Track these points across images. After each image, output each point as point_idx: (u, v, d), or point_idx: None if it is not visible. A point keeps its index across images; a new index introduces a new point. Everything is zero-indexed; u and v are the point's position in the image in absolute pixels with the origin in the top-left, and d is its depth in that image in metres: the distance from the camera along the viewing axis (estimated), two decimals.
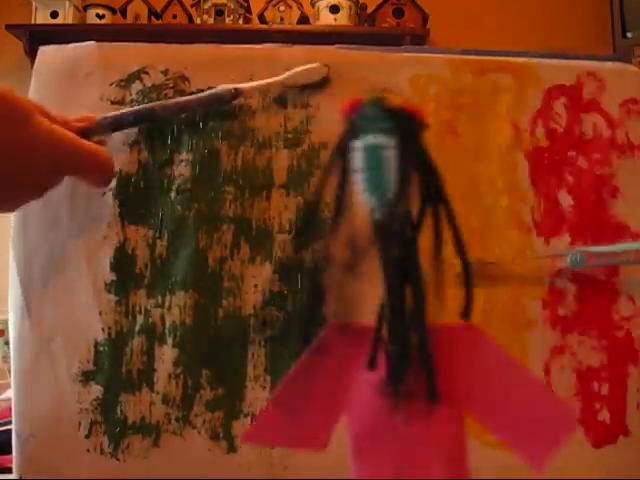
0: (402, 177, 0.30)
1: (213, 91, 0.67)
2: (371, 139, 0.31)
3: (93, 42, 0.72)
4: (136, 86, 0.70)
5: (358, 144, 0.31)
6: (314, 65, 0.69)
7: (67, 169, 0.52)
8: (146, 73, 0.70)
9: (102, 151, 0.57)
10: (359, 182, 0.30)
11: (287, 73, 0.68)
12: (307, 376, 0.31)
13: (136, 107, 0.67)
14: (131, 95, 0.70)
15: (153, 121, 0.67)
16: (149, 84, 0.70)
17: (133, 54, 0.71)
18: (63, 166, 0.52)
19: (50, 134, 0.50)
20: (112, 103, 0.69)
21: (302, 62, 0.71)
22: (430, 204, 0.32)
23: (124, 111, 0.65)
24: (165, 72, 0.70)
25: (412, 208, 0.32)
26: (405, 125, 0.31)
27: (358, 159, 0.31)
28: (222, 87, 0.67)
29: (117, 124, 0.65)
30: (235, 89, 0.66)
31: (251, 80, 0.71)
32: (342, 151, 0.32)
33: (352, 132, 0.32)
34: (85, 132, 0.58)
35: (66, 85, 0.69)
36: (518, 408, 0.29)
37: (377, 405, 0.30)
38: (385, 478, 0.30)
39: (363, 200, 0.30)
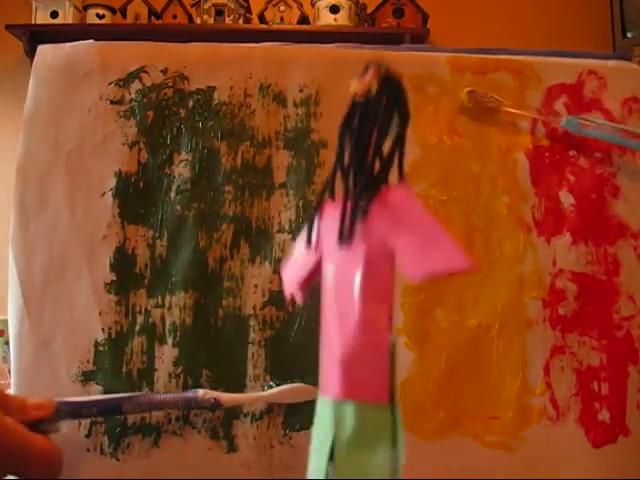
0: None
1: (191, 395, 0.61)
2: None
3: (92, 41, 0.71)
4: (135, 85, 0.70)
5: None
6: (300, 385, 0.63)
7: (12, 469, 0.50)
8: (145, 72, 0.70)
9: (52, 449, 0.54)
10: None
11: (271, 391, 0.63)
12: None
13: (101, 397, 0.61)
14: (130, 94, 0.70)
15: (116, 415, 0.62)
16: (148, 83, 0.70)
17: (132, 53, 0.71)
18: (7, 466, 0.50)
19: (1, 432, 0.48)
20: (111, 103, 0.69)
21: (301, 61, 0.71)
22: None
23: (87, 400, 0.60)
24: (164, 71, 0.70)
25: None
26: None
27: None
28: (202, 393, 0.61)
29: (76, 414, 0.59)
30: (215, 399, 0.60)
31: (250, 79, 0.71)
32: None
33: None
34: (41, 422, 0.55)
35: (65, 84, 0.69)
36: (424, 249, 0.39)
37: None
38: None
39: None
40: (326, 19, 2.39)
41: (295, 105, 0.70)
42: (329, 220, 0.41)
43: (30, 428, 0.51)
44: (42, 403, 0.56)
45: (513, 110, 0.71)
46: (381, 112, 0.40)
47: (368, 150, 0.40)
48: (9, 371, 0.65)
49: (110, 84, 0.70)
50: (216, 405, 0.60)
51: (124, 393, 0.60)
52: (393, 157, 0.42)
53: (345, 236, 0.39)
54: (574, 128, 0.69)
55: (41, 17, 2.42)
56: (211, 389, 0.65)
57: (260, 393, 0.64)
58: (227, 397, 0.61)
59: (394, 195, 0.40)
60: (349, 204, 0.40)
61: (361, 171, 0.40)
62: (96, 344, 0.66)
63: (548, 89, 0.73)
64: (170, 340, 0.66)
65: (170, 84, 0.70)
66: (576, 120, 0.69)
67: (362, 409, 0.38)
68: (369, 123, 0.40)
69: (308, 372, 0.66)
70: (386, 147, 0.42)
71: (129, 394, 0.60)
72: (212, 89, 0.70)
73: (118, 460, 0.64)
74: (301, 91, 0.70)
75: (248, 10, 2.50)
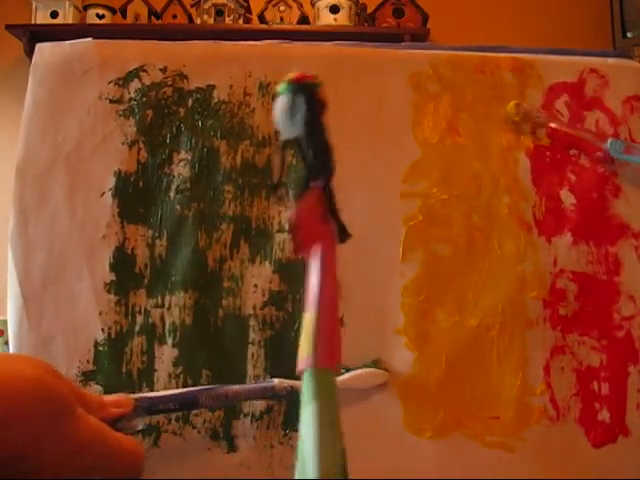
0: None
1: (267, 385, 0.62)
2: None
3: (91, 39, 0.71)
4: (134, 84, 0.69)
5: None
6: (372, 370, 0.65)
7: (100, 470, 0.49)
8: (145, 71, 0.70)
9: (137, 448, 0.53)
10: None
11: (343, 376, 0.64)
12: None
13: (178, 391, 0.61)
14: (130, 93, 0.69)
15: (194, 409, 0.62)
16: (148, 82, 0.70)
17: (131, 52, 0.71)
18: (96, 467, 0.48)
19: (87, 433, 0.46)
20: (110, 102, 0.69)
21: (301, 59, 0.71)
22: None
23: (164, 394, 0.59)
24: (164, 70, 0.70)
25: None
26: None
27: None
28: (277, 382, 0.62)
29: (154, 410, 0.58)
30: (291, 387, 0.61)
31: (250, 77, 0.70)
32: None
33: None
34: (120, 419, 0.53)
35: (64, 83, 0.69)
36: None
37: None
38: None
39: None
40: (326, 19, 2.39)
41: None
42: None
43: (109, 426, 0.50)
44: (120, 400, 0.54)
45: (559, 127, 0.70)
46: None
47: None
48: None
49: (109, 83, 0.70)
50: (291, 393, 0.61)
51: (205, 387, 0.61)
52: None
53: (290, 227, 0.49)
54: (617, 152, 0.69)
55: (41, 17, 2.42)
56: None
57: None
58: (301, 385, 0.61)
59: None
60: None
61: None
62: (96, 344, 0.65)
63: (549, 87, 0.72)
64: (170, 340, 0.66)
65: (169, 83, 0.70)
66: (620, 144, 0.68)
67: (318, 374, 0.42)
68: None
69: None
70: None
71: (205, 387, 0.60)
72: (211, 88, 0.70)
73: None
74: None
75: (248, 10, 2.50)
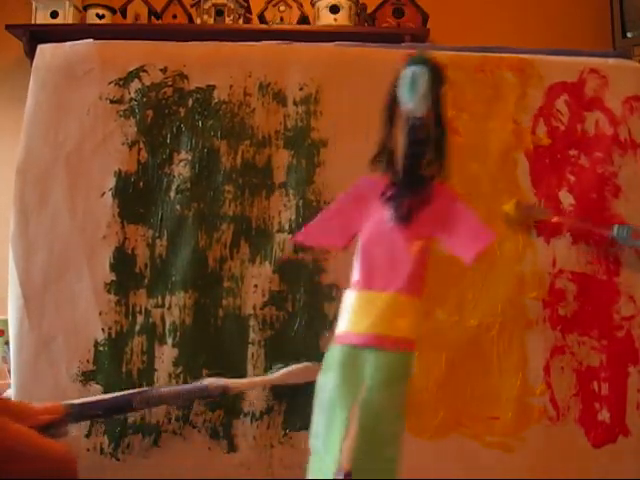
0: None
1: (199, 386, 0.60)
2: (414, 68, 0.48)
3: (91, 40, 0.71)
4: (135, 84, 0.69)
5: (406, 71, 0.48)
6: (309, 364, 0.63)
7: (29, 476, 0.49)
8: (145, 71, 0.70)
9: (68, 454, 0.53)
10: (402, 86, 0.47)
11: (277, 373, 0.62)
12: (339, 204, 0.49)
13: (110, 396, 0.59)
14: (130, 94, 0.69)
15: (127, 412, 0.61)
16: (148, 82, 0.70)
17: (132, 52, 0.71)
18: (25, 474, 0.48)
19: (10, 441, 0.47)
20: (111, 102, 0.69)
21: (301, 59, 0.71)
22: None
23: (96, 400, 0.58)
24: (164, 70, 0.70)
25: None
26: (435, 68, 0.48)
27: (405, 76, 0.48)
28: (209, 382, 0.60)
29: (86, 415, 0.57)
30: (223, 387, 0.60)
31: (250, 77, 0.71)
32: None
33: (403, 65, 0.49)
34: (50, 426, 0.53)
35: (65, 83, 0.69)
36: (457, 231, 0.48)
37: (382, 221, 0.46)
38: (377, 271, 0.45)
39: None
40: (326, 19, 2.39)
41: (295, 104, 0.70)
42: (377, 193, 0.48)
43: (40, 433, 0.50)
44: (50, 407, 0.54)
45: (562, 221, 0.70)
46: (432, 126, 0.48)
47: (422, 154, 0.47)
48: (9, 371, 0.65)
49: (110, 83, 0.70)
50: (225, 392, 0.60)
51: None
52: (441, 159, 0.48)
53: (402, 218, 0.46)
54: (624, 239, 0.68)
55: (41, 17, 2.42)
56: None
57: (266, 377, 0.63)
58: (235, 383, 0.61)
59: (441, 194, 0.48)
60: (406, 192, 0.47)
61: (413, 168, 0.47)
62: (96, 344, 0.66)
63: (549, 87, 0.72)
64: (170, 340, 0.66)
65: (170, 83, 0.70)
66: (628, 229, 0.68)
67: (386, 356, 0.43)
68: (422, 134, 0.47)
69: None
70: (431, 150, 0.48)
71: (137, 390, 0.60)
72: (212, 88, 0.70)
73: (118, 460, 0.64)
74: (301, 89, 0.70)
75: (248, 10, 2.50)
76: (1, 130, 2.35)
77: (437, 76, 0.48)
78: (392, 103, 0.49)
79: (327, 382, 0.44)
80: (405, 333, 0.45)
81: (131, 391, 0.59)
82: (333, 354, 0.44)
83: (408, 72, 0.48)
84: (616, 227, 0.68)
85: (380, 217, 0.47)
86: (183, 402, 0.63)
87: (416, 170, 0.48)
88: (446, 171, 0.48)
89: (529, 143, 0.71)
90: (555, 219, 0.69)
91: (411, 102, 0.47)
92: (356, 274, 0.47)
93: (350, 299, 0.46)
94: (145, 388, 0.61)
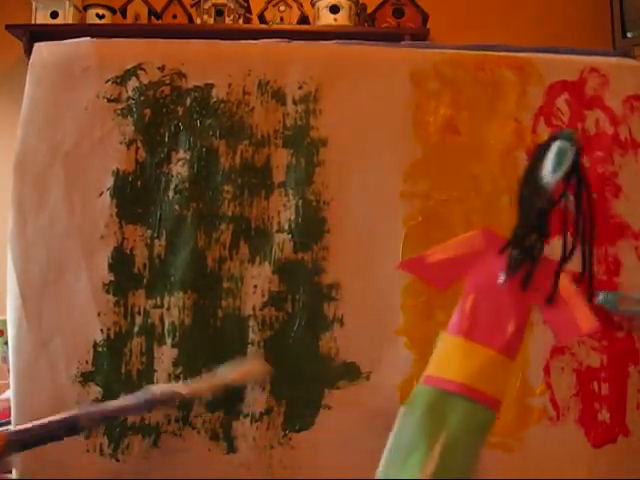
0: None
1: (149, 396, 0.57)
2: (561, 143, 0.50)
3: (89, 38, 0.71)
4: (132, 83, 0.69)
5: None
6: (256, 363, 0.63)
7: None
8: (142, 69, 0.69)
9: None
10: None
11: (228, 373, 0.60)
12: (456, 246, 0.50)
13: (56, 418, 0.55)
14: (127, 92, 0.69)
15: (75, 434, 0.56)
16: (145, 81, 0.69)
17: (129, 50, 0.71)
18: None
19: None
20: (108, 101, 0.69)
21: (300, 58, 0.71)
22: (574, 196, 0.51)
23: (42, 423, 0.54)
24: (162, 68, 0.70)
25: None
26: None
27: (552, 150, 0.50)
28: (159, 390, 0.58)
29: (30, 443, 0.54)
30: (173, 393, 0.57)
31: (249, 76, 0.70)
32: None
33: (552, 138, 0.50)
34: None
35: (62, 82, 0.69)
36: (563, 308, 0.47)
37: (495, 275, 0.48)
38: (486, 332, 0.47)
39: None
40: (326, 19, 2.39)
41: (294, 102, 0.69)
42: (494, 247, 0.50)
43: None
44: None
45: None
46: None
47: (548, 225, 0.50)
48: (9, 371, 0.65)
49: (107, 82, 0.69)
50: (180, 399, 0.58)
51: (81, 409, 0.56)
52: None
53: (521, 283, 0.48)
54: (611, 304, 0.68)
55: (41, 17, 2.42)
56: None
57: (217, 378, 0.60)
58: (186, 388, 0.58)
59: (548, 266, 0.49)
60: (527, 257, 0.49)
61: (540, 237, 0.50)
62: (95, 345, 0.65)
63: (550, 86, 0.72)
64: (169, 341, 0.66)
65: (167, 81, 0.70)
66: (613, 297, 0.68)
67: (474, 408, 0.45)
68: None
69: (307, 372, 0.66)
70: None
71: (83, 410, 0.56)
72: (210, 86, 0.69)
73: (118, 460, 0.64)
74: (300, 88, 0.70)
75: (248, 10, 2.49)
76: (1, 130, 2.35)
77: (579, 151, 0.49)
78: (533, 176, 0.51)
79: (411, 419, 0.46)
80: (497, 393, 0.46)
81: (76, 411, 0.56)
82: (421, 394, 0.47)
83: (554, 146, 0.49)
84: (601, 294, 0.68)
85: (493, 272, 0.49)
86: (135, 414, 0.62)
87: (540, 237, 0.50)
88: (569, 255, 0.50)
89: (530, 142, 0.71)
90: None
91: (553, 176, 0.49)
92: (458, 319, 0.49)
93: (447, 343, 0.48)
94: (90, 405, 0.60)
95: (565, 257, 0.50)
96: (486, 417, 0.45)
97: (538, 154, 0.50)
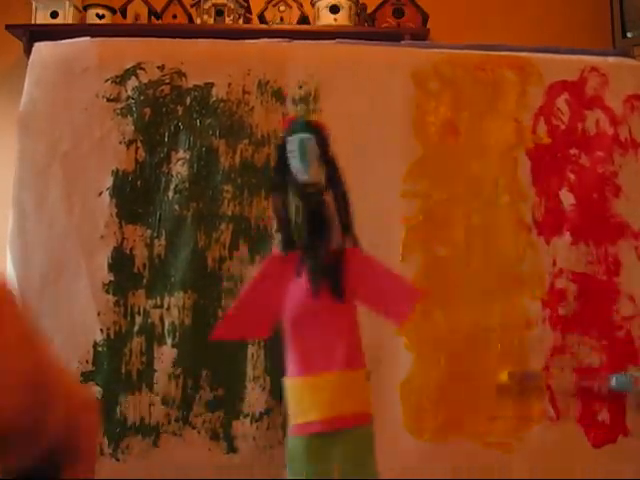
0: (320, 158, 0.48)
1: None
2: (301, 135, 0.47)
3: (88, 38, 0.71)
4: (132, 82, 0.69)
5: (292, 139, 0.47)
6: None
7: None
8: (142, 69, 0.69)
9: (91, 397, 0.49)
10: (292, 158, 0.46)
11: None
12: (254, 290, 0.46)
13: None
14: (127, 92, 0.69)
15: None
16: (145, 80, 0.69)
17: (129, 50, 0.71)
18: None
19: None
20: (108, 100, 0.69)
21: (300, 57, 0.71)
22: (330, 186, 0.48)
23: None
24: (161, 68, 0.70)
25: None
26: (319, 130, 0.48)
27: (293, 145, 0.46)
28: None
29: None
30: None
31: (248, 75, 0.70)
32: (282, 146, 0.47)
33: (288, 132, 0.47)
34: None
35: (61, 82, 0.69)
36: (385, 291, 0.46)
37: (304, 301, 0.45)
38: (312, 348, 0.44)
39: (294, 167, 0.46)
40: (326, 19, 2.38)
41: (294, 102, 0.69)
42: (290, 272, 0.46)
43: None
44: None
45: (561, 393, 0.68)
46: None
47: (324, 222, 0.46)
48: None
49: (107, 81, 0.69)
50: None
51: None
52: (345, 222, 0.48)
53: (336, 295, 0.45)
54: (626, 386, 0.67)
55: (41, 17, 2.42)
56: (211, 390, 0.65)
57: None
58: None
59: (353, 259, 0.46)
60: (321, 267, 0.45)
61: (319, 239, 0.46)
62: (95, 345, 0.65)
63: (550, 86, 0.72)
64: (169, 341, 0.66)
65: (167, 81, 0.69)
66: (628, 377, 0.66)
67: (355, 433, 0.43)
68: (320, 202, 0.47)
69: None
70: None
71: None
72: (210, 86, 0.69)
73: (118, 460, 0.64)
74: (300, 87, 0.70)
75: (248, 10, 2.49)
76: (1, 130, 2.34)
77: (323, 138, 0.47)
78: (282, 174, 0.47)
79: (300, 474, 0.45)
80: (363, 406, 0.45)
81: None
82: (296, 447, 0.45)
83: (294, 140, 0.46)
84: (614, 377, 0.67)
85: (300, 296, 0.45)
86: None
87: (322, 241, 0.46)
88: (352, 233, 0.47)
89: (530, 142, 0.71)
90: (550, 383, 0.68)
91: (304, 171, 0.46)
92: (292, 360, 0.45)
93: (293, 388, 0.45)
94: None
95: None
96: (366, 434, 0.44)
97: (280, 155, 0.47)
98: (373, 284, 0.47)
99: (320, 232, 0.46)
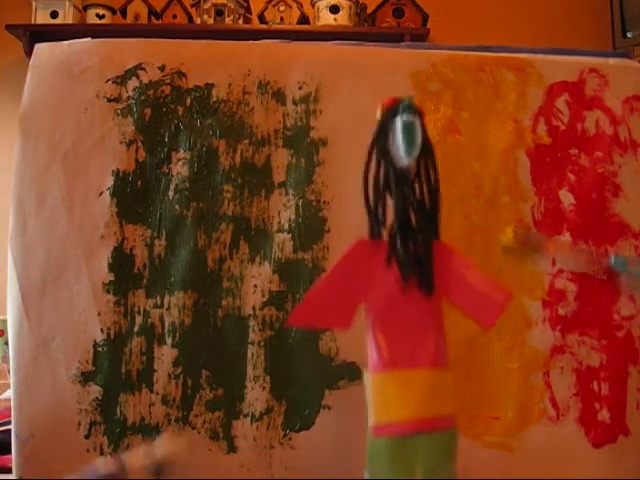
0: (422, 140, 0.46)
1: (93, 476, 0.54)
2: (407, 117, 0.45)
3: (89, 38, 0.71)
4: (133, 82, 0.69)
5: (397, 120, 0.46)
6: None
7: None
8: (142, 69, 0.69)
9: None
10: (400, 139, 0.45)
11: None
12: (338, 274, 0.45)
13: None
14: (128, 92, 0.69)
15: None
16: (146, 80, 0.69)
17: (129, 50, 0.71)
18: None
19: None
20: (108, 100, 0.69)
21: (300, 58, 0.71)
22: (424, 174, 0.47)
23: None
24: (162, 68, 0.70)
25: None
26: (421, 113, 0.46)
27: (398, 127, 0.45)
28: (104, 463, 0.55)
29: None
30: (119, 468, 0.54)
31: (249, 76, 0.70)
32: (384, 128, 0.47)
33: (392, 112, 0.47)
34: None
35: (62, 82, 0.69)
36: (474, 291, 0.44)
37: (392, 291, 0.43)
38: (398, 341, 0.42)
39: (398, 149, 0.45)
40: (326, 19, 2.39)
41: (294, 102, 0.70)
42: (378, 258, 0.45)
43: None
44: None
45: (561, 250, 0.69)
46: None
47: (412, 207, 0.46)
48: (9, 371, 0.65)
49: (107, 81, 0.69)
50: (121, 475, 0.55)
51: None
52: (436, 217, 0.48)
53: (426, 289, 0.44)
54: (621, 266, 0.67)
55: (41, 17, 2.42)
56: (211, 390, 0.65)
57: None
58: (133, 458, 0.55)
59: (442, 251, 0.46)
60: (411, 257, 0.45)
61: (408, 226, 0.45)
62: (95, 344, 0.65)
63: (550, 87, 0.72)
64: (169, 340, 0.66)
65: (168, 81, 0.70)
66: (623, 258, 0.67)
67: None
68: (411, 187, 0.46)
69: (307, 372, 0.66)
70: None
71: None
72: (210, 86, 0.70)
73: None
74: (300, 88, 0.70)
75: (248, 10, 2.50)
76: (0, 130, 2.34)
77: (423, 122, 0.45)
78: (380, 155, 0.46)
79: (378, 476, 0.42)
80: (449, 410, 0.43)
81: None
82: (378, 448, 0.42)
83: (400, 122, 0.45)
84: (613, 257, 0.67)
85: (388, 287, 0.44)
86: None
87: (413, 230, 0.45)
88: (438, 226, 0.46)
89: (530, 142, 0.71)
90: (553, 247, 0.68)
91: (406, 156, 0.44)
92: (375, 354, 0.43)
93: (376, 384, 0.42)
94: None
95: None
96: (450, 438, 0.43)
97: (380, 135, 0.45)
98: (462, 281, 0.45)
99: (411, 221, 0.45)
